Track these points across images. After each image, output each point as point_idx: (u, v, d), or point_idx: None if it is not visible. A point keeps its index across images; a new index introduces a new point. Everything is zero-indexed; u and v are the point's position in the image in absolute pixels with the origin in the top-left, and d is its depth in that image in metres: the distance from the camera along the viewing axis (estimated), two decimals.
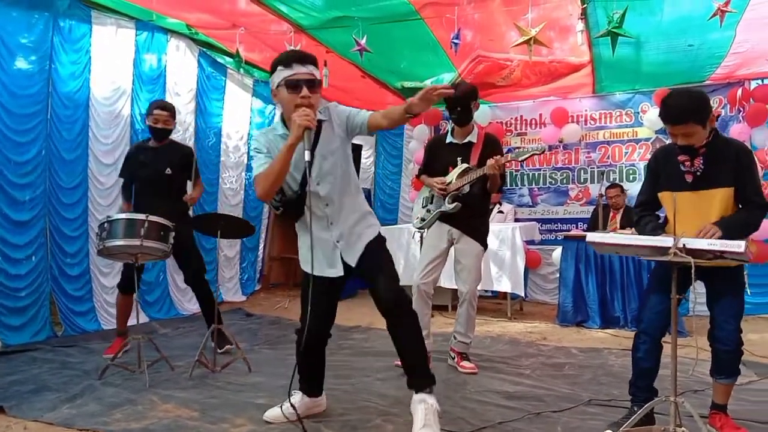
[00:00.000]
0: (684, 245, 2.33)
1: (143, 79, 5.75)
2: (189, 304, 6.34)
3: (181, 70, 6.19)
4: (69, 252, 5.15)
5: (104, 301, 5.42)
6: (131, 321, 4.40)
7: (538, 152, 3.96)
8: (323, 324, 2.96)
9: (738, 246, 2.27)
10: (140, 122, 5.71)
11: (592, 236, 2.74)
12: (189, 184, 4.60)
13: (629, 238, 2.71)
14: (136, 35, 5.63)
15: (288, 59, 2.65)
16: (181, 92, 6.19)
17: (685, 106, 2.67)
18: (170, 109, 4.50)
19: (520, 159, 3.98)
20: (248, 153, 7.33)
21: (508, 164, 3.97)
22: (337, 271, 2.84)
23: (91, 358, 4.32)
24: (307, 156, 2.52)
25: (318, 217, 2.79)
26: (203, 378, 3.84)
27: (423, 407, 2.66)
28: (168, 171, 4.38)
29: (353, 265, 2.83)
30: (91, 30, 5.20)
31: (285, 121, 2.74)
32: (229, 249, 6.99)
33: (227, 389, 3.62)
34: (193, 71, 6.35)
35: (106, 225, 3.78)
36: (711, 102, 2.90)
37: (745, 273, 6.24)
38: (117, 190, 5.52)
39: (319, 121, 2.66)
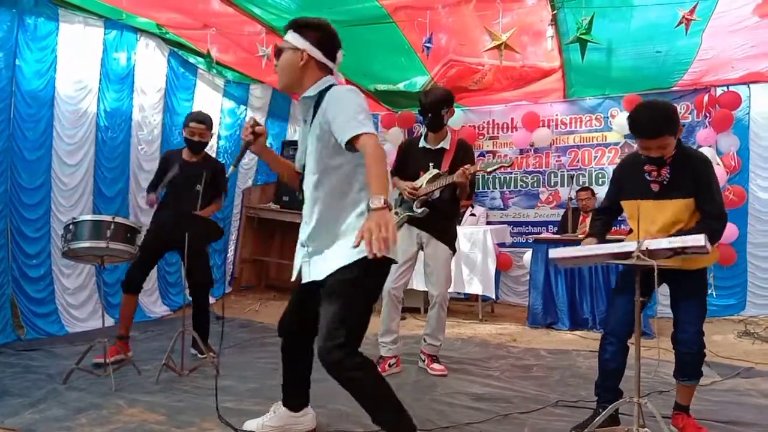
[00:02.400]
0: (647, 248, 2.38)
1: (110, 77, 5.65)
2: (155, 306, 6.24)
3: (150, 69, 6.09)
4: (30, 253, 5.03)
5: (66, 303, 5.31)
6: (97, 323, 4.34)
7: (505, 164, 3.99)
8: (290, 320, 2.81)
9: (697, 240, 2.32)
10: (104, 119, 5.62)
11: (554, 253, 2.78)
12: None
13: (589, 248, 2.74)
14: (105, 34, 5.53)
15: None
16: (148, 91, 6.10)
17: (659, 120, 2.69)
18: (207, 122, 4.47)
19: (488, 170, 4.00)
20: (217, 152, 7.24)
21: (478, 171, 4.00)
22: (305, 276, 2.59)
23: (55, 362, 4.22)
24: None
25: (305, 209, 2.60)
26: (170, 382, 3.78)
27: None
28: (198, 188, 4.31)
29: (316, 279, 2.52)
30: (57, 28, 5.09)
31: None
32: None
33: (195, 393, 3.58)
34: (162, 70, 6.27)
35: (71, 226, 3.71)
36: (676, 104, 2.95)
37: (711, 275, 6.43)
38: (80, 191, 5.44)
39: (313, 98, 2.49)
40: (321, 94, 2.44)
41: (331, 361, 2.32)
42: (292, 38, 2.47)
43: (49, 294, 5.19)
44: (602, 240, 3.05)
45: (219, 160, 4.89)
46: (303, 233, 2.56)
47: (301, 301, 2.74)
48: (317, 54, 2.47)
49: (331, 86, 2.47)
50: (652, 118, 2.70)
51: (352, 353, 2.34)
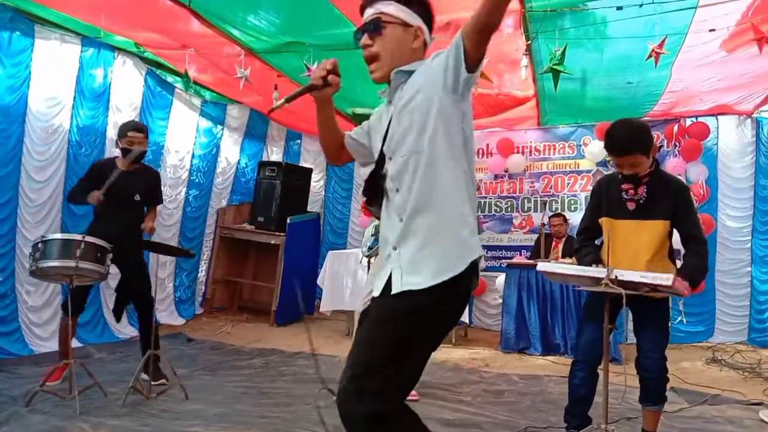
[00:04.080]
0: (617, 277, 2.41)
1: (86, 94, 5.60)
2: (123, 327, 6.11)
3: (126, 87, 6.05)
4: None
5: (30, 321, 5.17)
6: None
7: None
8: (352, 362, 1.77)
9: (667, 279, 2.37)
10: (77, 135, 5.55)
11: (542, 266, 2.85)
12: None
13: (572, 268, 2.81)
14: (82, 51, 5.49)
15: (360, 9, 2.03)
16: (124, 109, 6.05)
17: (630, 138, 2.81)
18: (145, 131, 4.43)
19: None
20: (190, 171, 7.21)
21: None
22: (376, 288, 1.90)
23: (18, 383, 4.11)
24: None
25: (390, 205, 1.93)
26: (137, 405, 3.71)
27: None
28: (137, 197, 4.32)
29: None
30: (33, 44, 5.05)
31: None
32: (161, 269, 6.78)
33: (162, 417, 3.52)
34: (139, 89, 6.23)
35: (40, 245, 3.64)
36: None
37: (681, 302, 6.52)
38: (47, 208, 5.33)
39: (409, 73, 1.94)
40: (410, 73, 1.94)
41: (352, 413, 1.70)
42: (399, 11, 1.92)
43: (12, 312, 5.05)
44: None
45: (155, 168, 4.78)
46: (395, 233, 1.86)
47: (366, 325, 1.95)
48: (427, 35, 1.99)
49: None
50: (624, 136, 2.83)
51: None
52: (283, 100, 1.98)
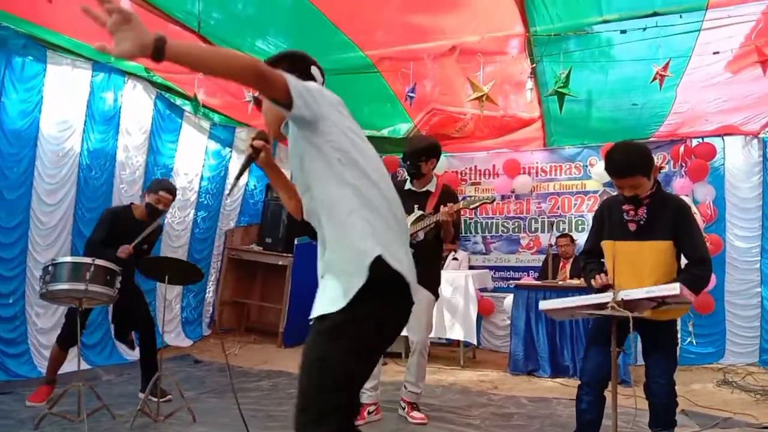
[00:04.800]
0: (622, 299, 2.41)
1: (96, 118, 5.68)
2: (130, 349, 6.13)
3: (136, 110, 6.14)
4: (3, 292, 4.95)
5: (38, 343, 5.19)
6: (70, 366, 4.26)
7: (488, 201, 4.08)
8: (298, 392, 1.93)
9: (673, 289, 2.37)
10: (87, 159, 5.63)
11: (543, 304, 2.85)
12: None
13: (575, 299, 2.78)
14: (93, 76, 5.59)
15: None
16: (133, 132, 6.13)
17: (630, 160, 2.83)
18: (175, 194, 4.54)
19: (471, 207, 4.08)
20: (199, 192, 7.26)
21: (462, 212, 4.04)
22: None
23: (26, 406, 4.12)
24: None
25: (318, 240, 2.06)
26: (145, 428, 3.71)
27: None
28: (144, 247, 4.41)
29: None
30: (45, 69, 5.14)
31: None
32: (168, 290, 6.79)
33: None
34: (148, 112, 6.32)
35: (50, 268, 3.68)
36: (653, 154, 3.05)
37: (690, 323, 6.48)
38: (58, 231, 5.39)
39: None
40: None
41: None
42: None
43: (21, 334, 5.08)
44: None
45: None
46: (320, 264, 2.01)
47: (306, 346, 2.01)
48: None
49: None
50: (623, 159, 2.84)
51: None
52: (234, 180, 2.30)
